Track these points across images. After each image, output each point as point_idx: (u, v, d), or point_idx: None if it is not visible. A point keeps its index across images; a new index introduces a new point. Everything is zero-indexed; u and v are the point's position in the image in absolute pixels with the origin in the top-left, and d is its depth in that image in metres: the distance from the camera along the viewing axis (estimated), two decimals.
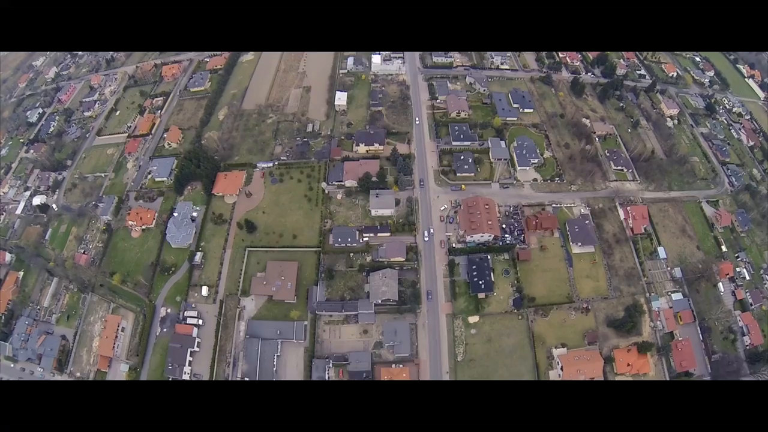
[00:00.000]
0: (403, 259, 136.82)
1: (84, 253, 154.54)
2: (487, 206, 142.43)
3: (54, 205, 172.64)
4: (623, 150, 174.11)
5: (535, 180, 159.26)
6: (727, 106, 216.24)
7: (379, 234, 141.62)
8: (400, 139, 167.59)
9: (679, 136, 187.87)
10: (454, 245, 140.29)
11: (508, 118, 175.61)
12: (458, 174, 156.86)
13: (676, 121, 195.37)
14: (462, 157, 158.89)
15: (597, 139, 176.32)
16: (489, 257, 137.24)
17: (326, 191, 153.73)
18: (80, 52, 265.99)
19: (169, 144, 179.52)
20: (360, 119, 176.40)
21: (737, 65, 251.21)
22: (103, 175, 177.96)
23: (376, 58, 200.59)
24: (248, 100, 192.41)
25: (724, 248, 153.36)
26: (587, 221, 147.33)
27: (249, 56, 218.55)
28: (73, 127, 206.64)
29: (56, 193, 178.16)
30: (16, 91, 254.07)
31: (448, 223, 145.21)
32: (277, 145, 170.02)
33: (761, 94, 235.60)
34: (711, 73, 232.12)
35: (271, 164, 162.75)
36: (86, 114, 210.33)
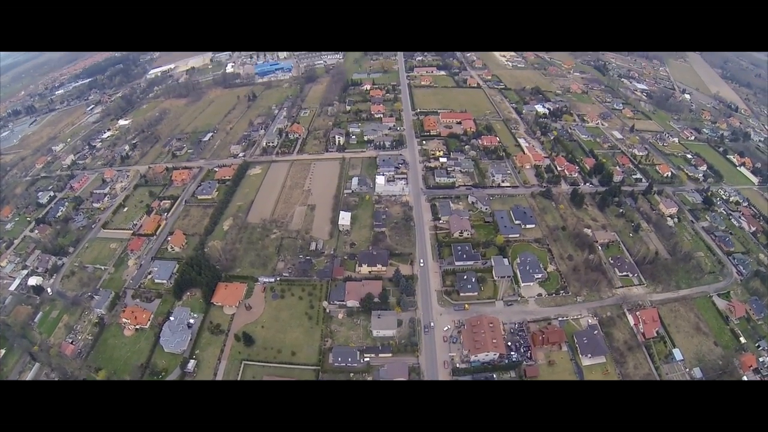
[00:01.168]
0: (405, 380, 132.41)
1: (72, 343, 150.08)
2: (491, 324, 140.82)
3: (49, 289, 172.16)
4: (627, 255, 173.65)
5: (539, 295, 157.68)
6: (724, 197, 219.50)
7: (380, 355, 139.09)
8: (403, 260, 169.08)
9: (680, 234, 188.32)
10: (458, 365, 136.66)
11: (510, 235, 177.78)
12: (461, 294, 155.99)
13: (676, 219, 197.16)
14: (465, 277, 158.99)
15: (600, 247, 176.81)
16: (494, 376, 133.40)
17: (327, 310, 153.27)
18: (98, 145, 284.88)
19: (172, 247, 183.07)
20: (363, 239, 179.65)
21: (727, 156, 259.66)
22: (102, 267, 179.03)
23: (380, 179, 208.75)
24: (253, 214, 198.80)
25: (742, 340, 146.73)
26: (596, 331, 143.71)
27: (257, 170, 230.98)
28: (80, 216, 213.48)
29: (53, 277, 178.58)
30: (32, 170, 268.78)
31: (451, 344, 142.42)
32: (279, 260, 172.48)
33: (755, 180, 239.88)
34: (704, 168, 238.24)
35: (272, 280, 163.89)
36: (95, 205, 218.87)
